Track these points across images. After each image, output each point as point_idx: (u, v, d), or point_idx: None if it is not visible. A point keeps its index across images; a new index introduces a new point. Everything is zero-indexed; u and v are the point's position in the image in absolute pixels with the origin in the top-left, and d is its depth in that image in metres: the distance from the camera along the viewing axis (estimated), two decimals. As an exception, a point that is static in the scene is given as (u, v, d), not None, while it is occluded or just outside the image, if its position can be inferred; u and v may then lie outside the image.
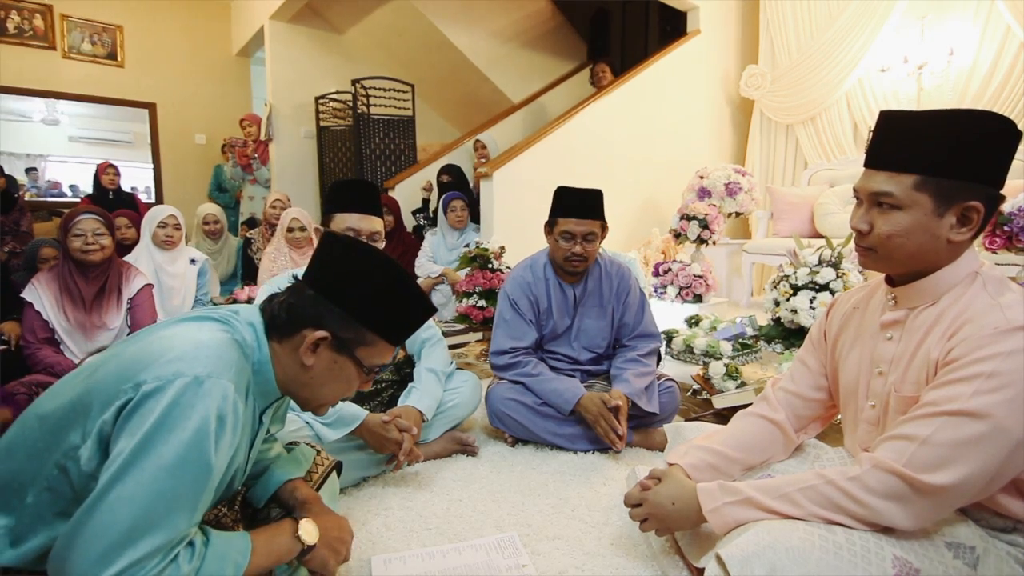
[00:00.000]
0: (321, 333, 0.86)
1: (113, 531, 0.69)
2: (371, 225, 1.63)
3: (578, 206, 1.80)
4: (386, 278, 0.90)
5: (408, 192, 4.79)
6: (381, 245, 1.66)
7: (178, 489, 0.73)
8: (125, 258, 2.64)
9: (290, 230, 3.04)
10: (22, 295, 2.11)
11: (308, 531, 0.93)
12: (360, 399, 1.75)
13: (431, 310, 0.97)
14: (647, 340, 1.95)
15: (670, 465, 1.14)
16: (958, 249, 0.88)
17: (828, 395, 1.15)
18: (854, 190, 0.94)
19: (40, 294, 2.10)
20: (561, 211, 1.82)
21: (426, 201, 4.69)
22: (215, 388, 0.76)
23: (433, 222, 4.33)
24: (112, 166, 4.66)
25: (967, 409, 0.78)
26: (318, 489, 1.16)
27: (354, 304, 0.88)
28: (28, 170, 6.00)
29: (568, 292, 1.93)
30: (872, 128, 0.96)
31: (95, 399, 0.77)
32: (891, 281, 0.97)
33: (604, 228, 1.87)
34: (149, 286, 2.34)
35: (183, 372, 0.75)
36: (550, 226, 1.87)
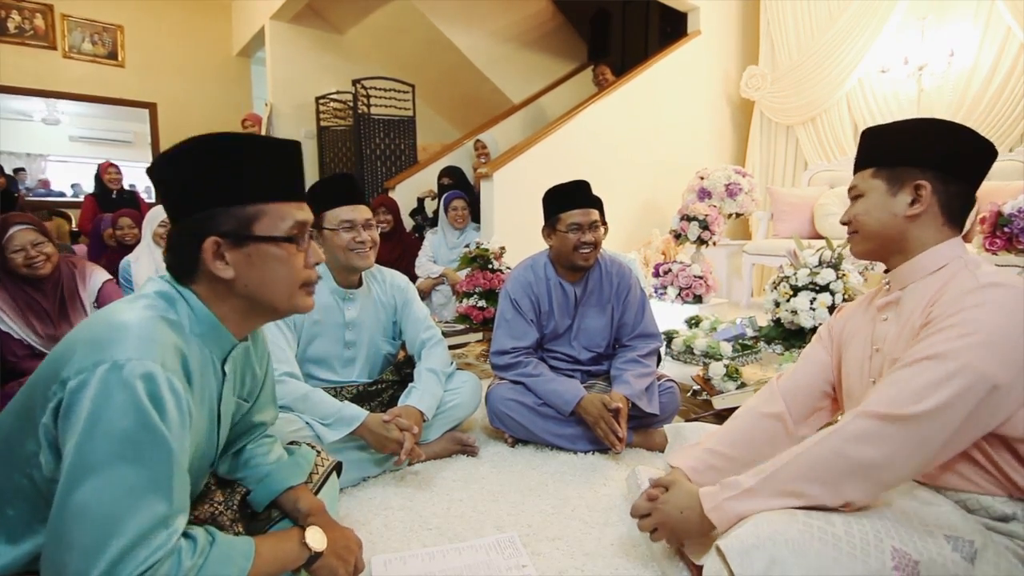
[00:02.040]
0: (208, 241, 0.81)
1: (89, 532, 0.67)
2: (362, 214, 1.65)
3: (578, 196, 1.84)
4: (207, 150, 0.82)
5: (408, 192, 4.79)
6: (375, 232, 1.68)
7: (140, 474, 0.70)
8: (126, 258, 2.62)
9: None
10: None
11: (315, 538, 0.92)
12: (360, 399, 1.75)
13: (285, 146, 0.89)
14: (647, 340, 1.95)
15: (672, 468, 1.14)
16: (928, 229, 0.99)
17: (832, 388, 1.18)
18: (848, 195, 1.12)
19: (5, 317, 1.95)
20: (562, 205, 1.83)
21: (421, 201, 4.69)
22: (137, 369, 0.71)
23: (431, 223, 4.34)
24: (113, 165, 4.67)
25: (939, 352, 0.84)
26: (318, 490, 1.17)
27: (205, 196, 0.82)
28: (16, 170, 5.94)
29: (569, 291, 1.93)
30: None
31: (35, 402, 0.74)
32: (887, 269, 1.08)
33: (604, 221, 1.90)
34: (110, 280, 2.20)
35: (102, 360, 0.71)
36: (551, 226, 1.87)
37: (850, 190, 1.10)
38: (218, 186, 0.82)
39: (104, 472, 0.69)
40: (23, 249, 1.95)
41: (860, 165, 1.09)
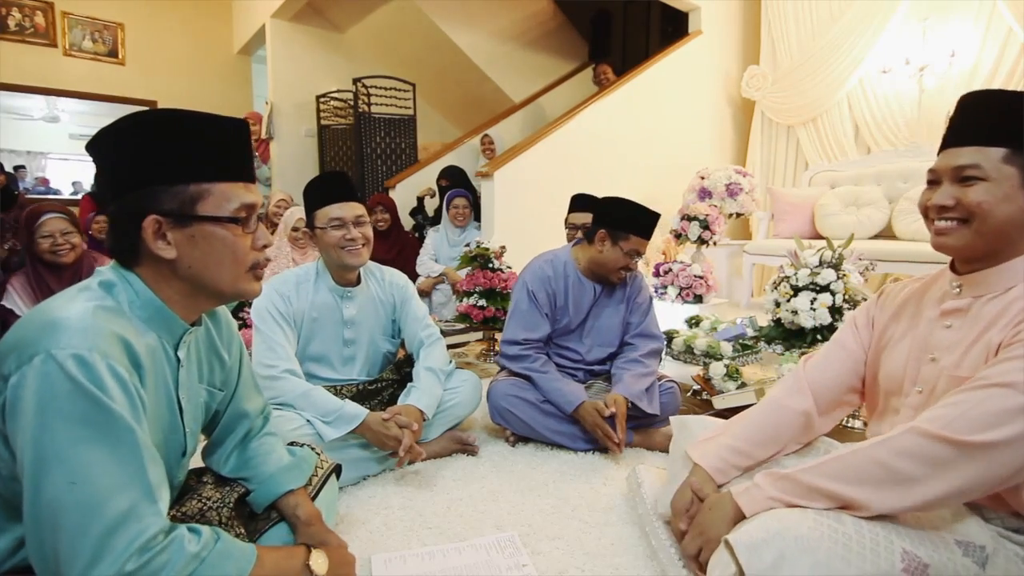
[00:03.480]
0: (149, 219, 0.79)
1: (69, 519, 0.67)
2: (353, 210, 1.65)
3: (649, 228, 1.86)
4: (148, 126, 0.79)
5: (409, 191, 4.79)
6: (367, 229, 1.67)
7: (105, 454, 0.70)
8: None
9: (295, 229, 3.02)
10: (2, 302, 2.04)
11: (319, 563, 0.92)
12: (360, 398, 1.75)
13: (231, 124, 0.86)
14: (648, 340, 1.95)
15: (696, 465, 1.13)
16: None
17: (861, 383, 1.13)
18: (931, 171, 0.95)
19: (19, 300, 2.03)
20: (636, 229, 1.84)
21: (421, 200, 4.68)
22: (73, 357, 0.70)
23: (431, 222, 4.33)
24: None
25: (1015, 381, 0.77)
26: (317, 492, 1.16)
27: (145, 174, 0.79)
28: (17, 168, 5.92)
29: (589, 288, 1.94)
30: (952, 111, 0.96)
31: None
32: (955, 269, 0.96)
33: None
34: None
35: (36, 352, 0.70)
36: (613, 239, 1.85)
37: (959, 167, 0.88)
38: (159, 163, 0.79)
39: (68, 459, 0.68)
40: (51, 235, 2.05)
41: (976, 137, 0.88)
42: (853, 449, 0.88)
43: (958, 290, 0.95)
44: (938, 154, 0.95)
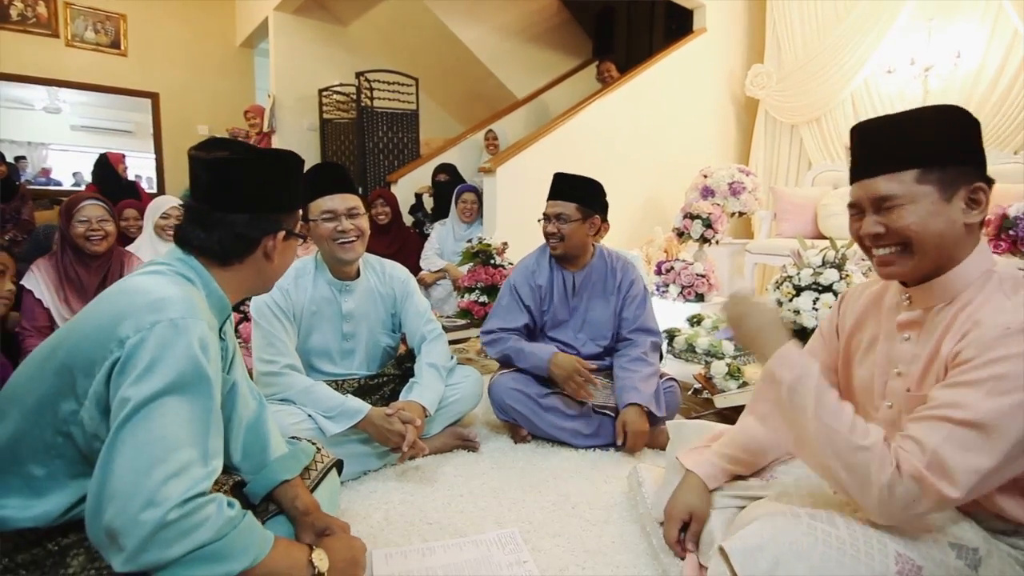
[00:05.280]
0: (279, 235, 0.99)
1: (138, 457, 0.74)
2: (346, 202, 1.61)
3: (557, 190, 1.92)
4: (279, 163, 1.00)
5: (411, 187, 4.78)
6: (363, 220, 1.64)
7: (187, 410, 0.79)
8: (127, 248, 2.63)
9: None
10: (21, 282, 2.05)
11: (321, 557, 0.93)
12: (361, 393, 1.75)
13: (302, 162, 1.07)
14: (646, 335, 1.95)
15: (687, 471, 1.14)
16: (972, 238, 0.88)
17: (838, 387, 1.11)
18: (850, 205, 0.95)
19: (40, 283, 2.05)
20: (550, 193, 1.94)
21: (419, 196, 4.68)
22: (192, 326, 0.82)
23: (431, 219, 4.32)
24: (123, 157, 4.67)
25: (974, 420, 0.76)
26: (316, 486, 1.16)
27: (275, 200, 0.99)
28: (18, 158, 5.90)
29: (568, 278, 1.97)
30: (849, 145, 0.98)
31: (76, 365, 0.81)
32: (903, 281, 0.95)
33: (590, 215, 1.90)
34: None
35: (159, 319, 0.80)
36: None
37: (878, 198, 0.88)
38: (287, 194, 1.01)
39: (156, 404, 0.76)
40: (88, 221, 2.08)
41: (885, 165, 0.88)
42: (826, 436, 0.84)
43: (908, 301, 0.95)
44: (850, 184, 0.95)
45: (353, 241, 1.62)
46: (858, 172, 0.93)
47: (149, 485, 0.72)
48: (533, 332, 2.01)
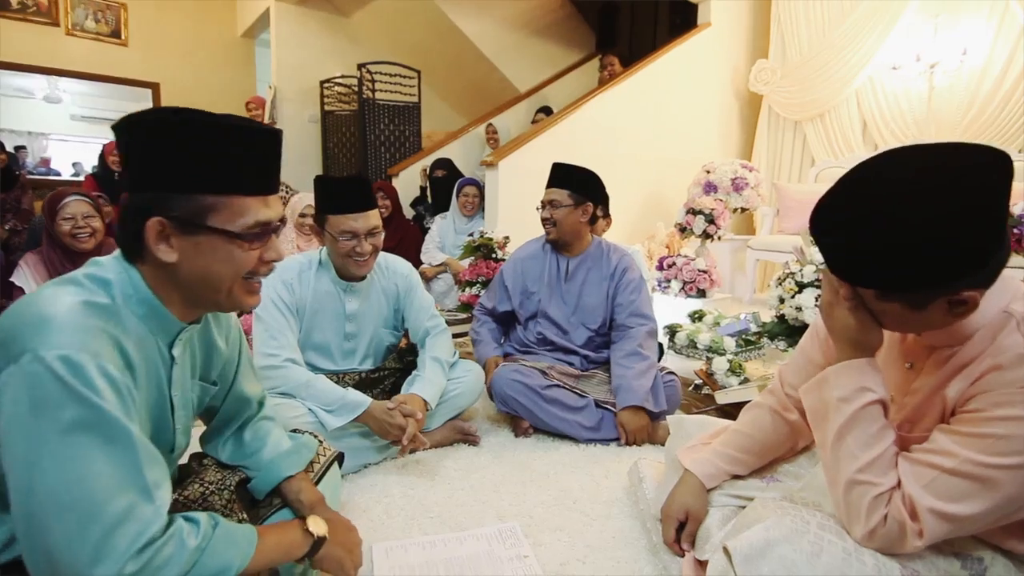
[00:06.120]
0: (152, 221, 0.75)
1: (66, 520, 0.65)
2: (368, 222, 1.59)
3: (553, 177, 2.00)
4: (170, 128, 0.76)
5: (411, 180, 4.76)
6: (380, 238, 1.63)
7: (99, 454, 0.68)
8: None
9: (303, 215, 2.94)
10: (11, 279, 2.00)
11: (317, 524, 0.91)
12: (362, 387, 1.74)
13: (264, 136, 0.83)
14: (640, 320, 1.96)
15: (686, 470, 1.14)
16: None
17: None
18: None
19: (30, 278, 1.99)
20: (548, 182, 2.00)
21: (424, 189, 4.66)
22: (61, 359, 0.67)
23: (432, 212, 4.31)
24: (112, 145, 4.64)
25: (977, 474, 0.74)
26: (318, 480, 1.16)
27: (164, 176, 0.76)
28: (17, 148, 5.87)
29: (563, 263, 2.03)
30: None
31: None
32: None
33: (582, 202, 1.94)
34: None
35: (23, 351, 0.67)
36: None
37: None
38: (180, 168, 0.76)
39: (62, 462, 0.66)
40: (73, 218, 2.01)
41: (846, 277, 0.81)
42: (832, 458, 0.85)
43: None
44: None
45: (368, 259, 1.62)
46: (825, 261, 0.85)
47: (87, 546, 0.64)
48: (514, 316, 2.09)
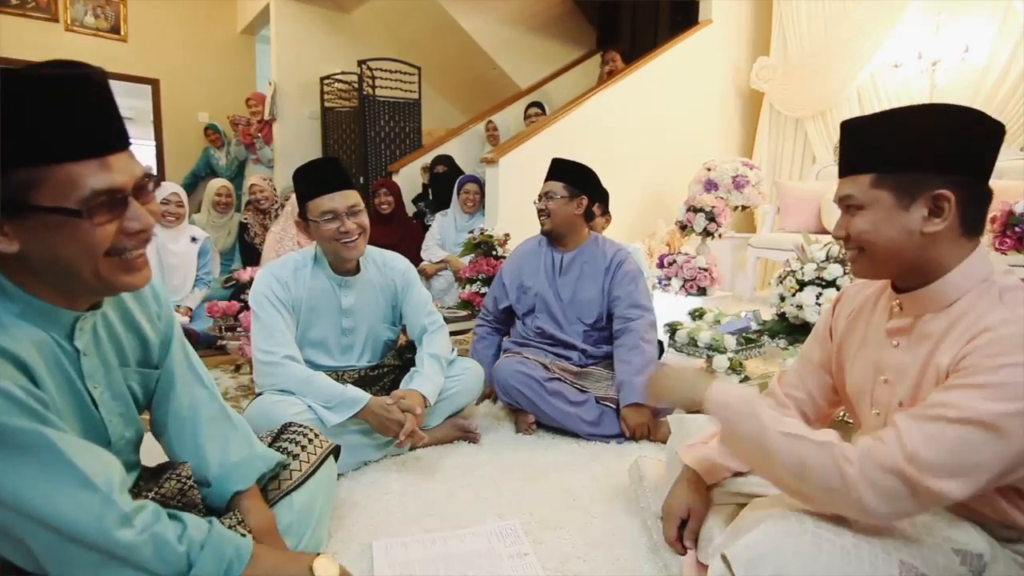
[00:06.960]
0: None
1: (48, 555, 0.66)
2: (346, 200, 1.58)
3: (548, 173, 2.06)
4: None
5: (412, 176, 4.75)
6: (363, 218, 1.61)
7: (30, 475, 0.65)
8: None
9: None
10: None
11: (325, 567, 0.87)
12: (362, 383, 1.74)
13: (75, 83, 0.68)
14: (639, 311, 1.96)
15: (686, 465, 1.14)
16: (957, 245, 0.84)
17: (834, 392, 1.11)
18: (835, 203, 0.95)
19: None
20: (547, 175, 2.05)
21: (426, 187, 4.66)
22: None
23: (433, 209, 4.31)
24: None
25: (975, 418, 0.73)
26: (313, 472, 1.13)
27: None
28: None
29: (558, 257, 2.05)
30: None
31: None
32: (896, 287, 0.93)
33: (576, 195, 1.98)
34: None
35: None
36: None
37: (840, 199, 0.90)
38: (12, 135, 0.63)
39: None
40: None
41: (850, 167, 0.89)
42: (806, 441, 0.83)
43: (899, 307, 0.92)
44: None
45: (356, 239, 1.60)
46: (839, 171, 0.93)
47: (82, 563, 0.66)
48: (511, 312, 2.11)
